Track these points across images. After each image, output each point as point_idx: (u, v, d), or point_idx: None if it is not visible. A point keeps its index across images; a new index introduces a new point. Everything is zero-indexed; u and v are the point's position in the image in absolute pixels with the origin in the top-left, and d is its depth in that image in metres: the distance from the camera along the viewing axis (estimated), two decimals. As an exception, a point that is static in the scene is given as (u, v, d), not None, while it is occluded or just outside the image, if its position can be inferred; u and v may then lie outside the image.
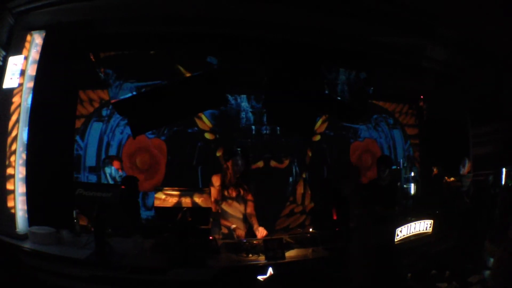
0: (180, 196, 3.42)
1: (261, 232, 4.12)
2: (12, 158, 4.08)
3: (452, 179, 5.28)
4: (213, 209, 4.23)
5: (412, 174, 5.51)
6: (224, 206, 4.26)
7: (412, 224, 4.26)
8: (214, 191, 4.22)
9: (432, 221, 4.40)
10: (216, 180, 4.30)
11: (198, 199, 3.42)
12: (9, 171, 4.07)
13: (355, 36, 5.15)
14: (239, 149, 4.33)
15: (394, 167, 5.12)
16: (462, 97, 6.42)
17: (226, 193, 4.26)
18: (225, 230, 4.23)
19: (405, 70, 5.95)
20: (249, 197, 4.34)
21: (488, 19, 4.96)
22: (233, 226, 4.19)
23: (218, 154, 6.44)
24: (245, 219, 4.30)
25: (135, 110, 4.55)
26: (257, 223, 4.22)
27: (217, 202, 4.22)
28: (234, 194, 4.28)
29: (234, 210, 4.29)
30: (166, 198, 3.41)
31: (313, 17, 4.74)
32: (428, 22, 5.12)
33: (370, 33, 5.15)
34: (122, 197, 3.37)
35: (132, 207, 4.36)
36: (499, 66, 5.81)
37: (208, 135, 6.46)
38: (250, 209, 4.31)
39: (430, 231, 4.39)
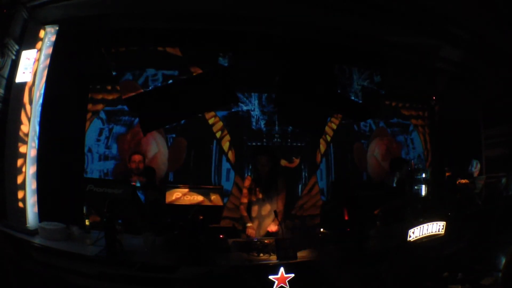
0: (191, 193, 3.38)
1: (272, 227, 4.17)
2: (23, 153, 4.08)
3: (465, 181, 5.23)
4: (243, 211, 4.36)
5: (424, 175, 5.46)
6: (253, 206, 4.32)
7: (425, 225, 4.20)
8: (244, 192, 4.36)
9: (444, 223, 4.34)
10: (246, 181, 4.41)
11: (210, 197, 3.38)
12: (20, 165, 4.07)
13: (367, 35, 5.11)
14: (264, 151, 4.37)
15: (408, 168, 5.17)
16: (475, 98, 6.37)
17: (253, 193, 4.31)
18: (249, 230, 4.25)
19: (418, 71, 5.91)
20: (281, 196, 4.36)
21: (501, 19, 4.91)
22: (248, 224, 4.18)
23: (229, 154, 6.42)
24: (269, 219, 4.32)
25: (146, 106, 4.54)
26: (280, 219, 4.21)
27: (247, 203, 4.32)
28: (261, 194, 4.31)
29: (261, 210, 4.32)
30: (178, 195, 3.38)
31: (326, 16, 4.71)
32: (441, 22, 5.07)
33: (382, 33, 5.12)
34: (143, 188, 3.35)
35: (151, 198, 4.39)
36: (512, 67, 5.75)
37: (218, 133, 6.44)
38: (280, 206, 4.32)
39: (443, 233, 4.33)
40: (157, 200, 4.33)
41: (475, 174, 5.92)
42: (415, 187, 5.09)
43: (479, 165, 5.99)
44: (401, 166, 5.04)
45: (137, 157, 4.88)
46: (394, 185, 4.98)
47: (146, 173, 4.81)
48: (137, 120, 5.76)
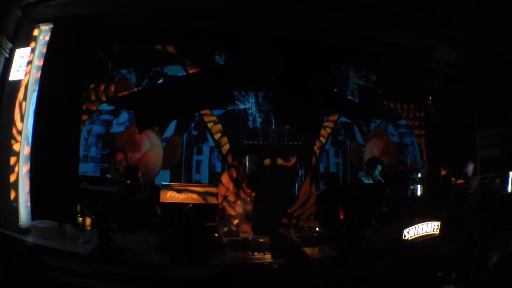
0: (186, 191, 3.36)
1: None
2: (17, 151, 4.05)
3: (460, 181, 5.24)
4: (220, 206, 4.19)
5: (419, 175, 5.48)
6: (233, 204, 4.21)
7: (420, 225, 4.21)
8: (223, 189, 4.18)
9: (439, 223, 4.34)
10: (225, 178, 4.25)
11: (204, 195, 3.36)
12: (13, 164, 4.04)
13: (364, 35, 5.13)
14: (253, 147, 4.30)
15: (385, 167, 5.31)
16: (470, 99, 6.39)
17: (235, 191, 4.21)
18: (232, 228, 4.17)
19: (414, 71, 5.93)
20: (254, 196, 4.29)
21: (496, 20, 4.94)
22: (236, 222, 4.14)
23: (226, 153, 6.40)
24: (251, 217, 4.25)
25: (141, 104, 4.51)
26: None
27: (225, 199, 4.17)
28: (243, 192, 4.23)
29: (243, 208, 4.23)
30: (172, 193, 3.35)
31: (323, 16, 4.72)
32: (437, 23, 5.09)
33: (378, 33, 5.14)
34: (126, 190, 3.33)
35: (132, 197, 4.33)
36: (508, 67, 5.78)
37: (214, 132, 6.41)
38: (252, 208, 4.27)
39: (438, 233, 4.34)
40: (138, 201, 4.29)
41: (469, 175, 5.96)
42: (411, 186, 5.14)
43: (473, 166, 6.04)
44: (375, 165, 5.13)
45: (119, 155, 4.83)
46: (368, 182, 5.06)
47: (128, 173, 4.72)
48: (115, 121, 5.75)
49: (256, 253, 3.50)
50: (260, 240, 3.71)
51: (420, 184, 5.15)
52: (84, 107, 5.52)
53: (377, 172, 5.13)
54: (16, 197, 3.97)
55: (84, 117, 5.63)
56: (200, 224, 3.38)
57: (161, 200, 3.33)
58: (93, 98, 5.70)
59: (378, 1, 4.59)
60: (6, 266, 3.47)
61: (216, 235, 3.66)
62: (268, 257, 3.43)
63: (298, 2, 4.47)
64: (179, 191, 3.35)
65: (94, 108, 5.72)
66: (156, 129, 5.88)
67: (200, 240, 3.38)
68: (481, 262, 4.22)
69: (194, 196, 3.34)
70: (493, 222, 4.79)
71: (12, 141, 4.05)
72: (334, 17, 4.70)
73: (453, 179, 5.33)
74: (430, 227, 4.31)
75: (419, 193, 5.10)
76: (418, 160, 7.50)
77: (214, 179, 5.98)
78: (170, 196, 3.33)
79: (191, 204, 3.28)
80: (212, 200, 3.38)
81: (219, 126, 6.38)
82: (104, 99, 5.73)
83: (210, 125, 6.35)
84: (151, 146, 6.01)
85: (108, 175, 4.76)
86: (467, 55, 5.65)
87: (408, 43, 5.25)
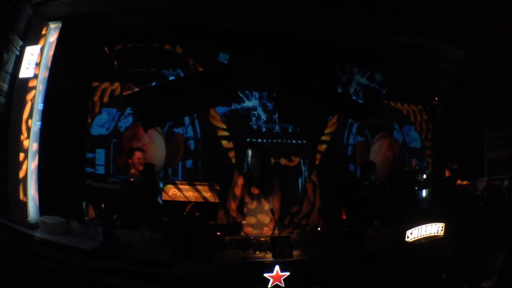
0: (188, 190, 3.40)
1: (266, 231, 4.13)
2: (25, 147, 4.14)
3: (465, 182, 5.20)
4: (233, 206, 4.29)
5: (425, 176, 5.45)
6: (247, 204, 4.27)
7: (424, 226, 4.18)
8: (237, 190, 4.27)
9: (444, 224, 4.32)
10: (239, 180, 4.33)
11: (206, 194, 3.40)
12: (22, 160, 4.13)
13: (369, 35, 5.10)
14: (252, 145, 4.32)
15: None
16: (477, 99, 6.31)
17: (248, 191, 4.25)
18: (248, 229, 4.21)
19: (420, 71, 5.86)
20: (276, 195, 4.28)
21: (504, 20, 4.87)
22: (244, 221, 4.17)
23: (229, 152, 6.43)
24: (266, 216, 4.26)
25: (147, 103, 4.55)
26: (274, 221, 4.16)
27: (241, 200, 4.25)
28: (256, 191, 4.24)
29: (256, 208, 4.26)
30: (174, 191, 3.40)
31: (328, 15, 4.70)
32: (444, 22, 5.03)
33: (384, 32, 5.10)
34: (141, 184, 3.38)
35: (149, 193, 4.41)
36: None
37: (218, 131, 6.44)
38: (276, 205, 4.24)
39: (442, 234, 4.31)
40: (155, 197, 4.35)
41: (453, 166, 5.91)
42: (416, 187, 5.11)
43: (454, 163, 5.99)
44: (367, 168, 5.13)
45: (137, 154, 4.91)
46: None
47: (145, 168, 4.81)
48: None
49: (257, 252, 3.52)
50: (262, 239, 3.74)
51: (425, 185, 5.12)
52: (90, 105, 5.60)
53: (368, 173, 5.14)
54: (25, 193, 4.06)
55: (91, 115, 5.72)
56: (201, 222, 3.41)
57: (163, 198, 3.39)
58: (99, 96, 5.79)
59: (384, 0, 4.56)
60: (16, 259, 3.56)
61: (218, 233, 3.70)
62: (269, 256, 3.45)
63: (304, 1, 4.46)
64: (181, 189, 3.40)
65: (99, 106, 5.81)
66: (159, 128, 5.94)
67: (202, 238, 3.43)
68: (487, 264, 4.19)
69: (196, 194, 3.39)
70: (501, 224, 4.75)
71: (21, 137, 4.14)
72: (340, 16, 4.67)
73: (458, 181, 5.28)
74: (435, 228, 4.28)
75: (424, 194, 5.08)
76: (423, 161, 7.42)
77: (217, 178, 6.04)
78: (172, 194, 3.38)
79: (192, 202, 3.33)
80: (213, 198, 3.42)
81: (226, 132, 6.42)
82: (107, 98, 5.83)
83: (218, 131, 6.42)
84: (150, 142, 6.06)
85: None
86: (474, 54, 5.56)
87: (415, 42, 5.20)
